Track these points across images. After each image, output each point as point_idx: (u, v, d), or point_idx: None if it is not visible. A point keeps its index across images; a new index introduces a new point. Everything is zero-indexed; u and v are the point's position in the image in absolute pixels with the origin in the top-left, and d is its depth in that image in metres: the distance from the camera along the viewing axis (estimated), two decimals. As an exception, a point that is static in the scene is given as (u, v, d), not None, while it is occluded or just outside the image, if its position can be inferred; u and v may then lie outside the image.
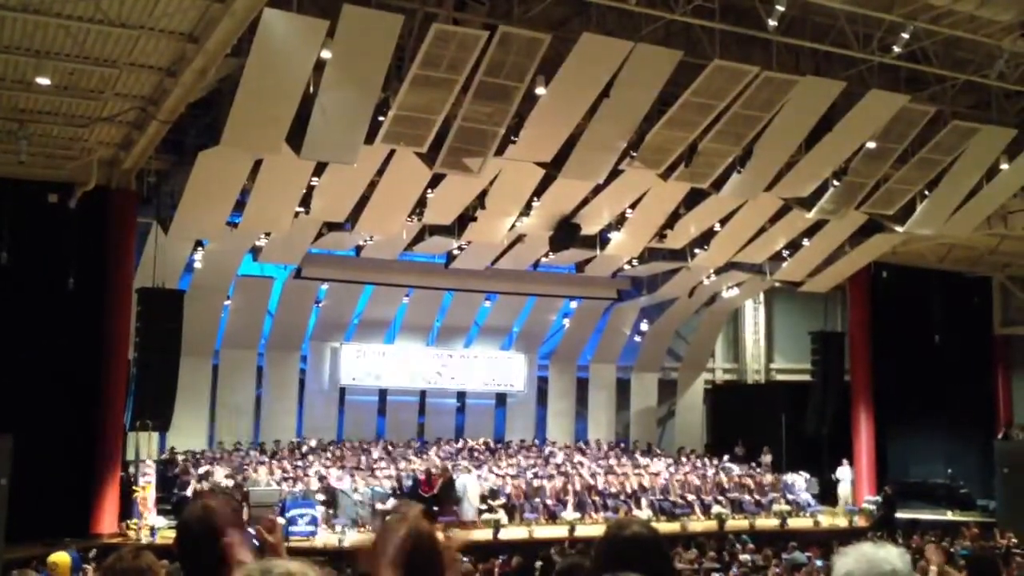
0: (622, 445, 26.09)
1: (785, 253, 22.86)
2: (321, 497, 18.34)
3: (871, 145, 18.01)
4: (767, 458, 24.18)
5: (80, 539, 14.81)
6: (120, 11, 11.53)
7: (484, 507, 19.43)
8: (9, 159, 15.17)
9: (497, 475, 20.71)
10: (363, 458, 21.47)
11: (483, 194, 18.82)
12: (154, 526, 16.55)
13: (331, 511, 18.23)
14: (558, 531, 18.57)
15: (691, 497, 21.38)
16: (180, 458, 20.29)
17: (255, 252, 21.12)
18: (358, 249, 22.30)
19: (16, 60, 12.65)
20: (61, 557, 6.21)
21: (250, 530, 3.10)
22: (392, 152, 16.44)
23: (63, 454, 16.14)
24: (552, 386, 27.41)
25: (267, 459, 20.53)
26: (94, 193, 16.54)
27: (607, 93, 15.47)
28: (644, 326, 27.34)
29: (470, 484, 19.58)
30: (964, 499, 23.62)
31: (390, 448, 22.86)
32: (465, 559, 15.21)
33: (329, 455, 21.54)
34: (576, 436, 26.88)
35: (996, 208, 21.09)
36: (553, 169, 17.61)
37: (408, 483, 19.65)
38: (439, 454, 22.42)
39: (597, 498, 20.59)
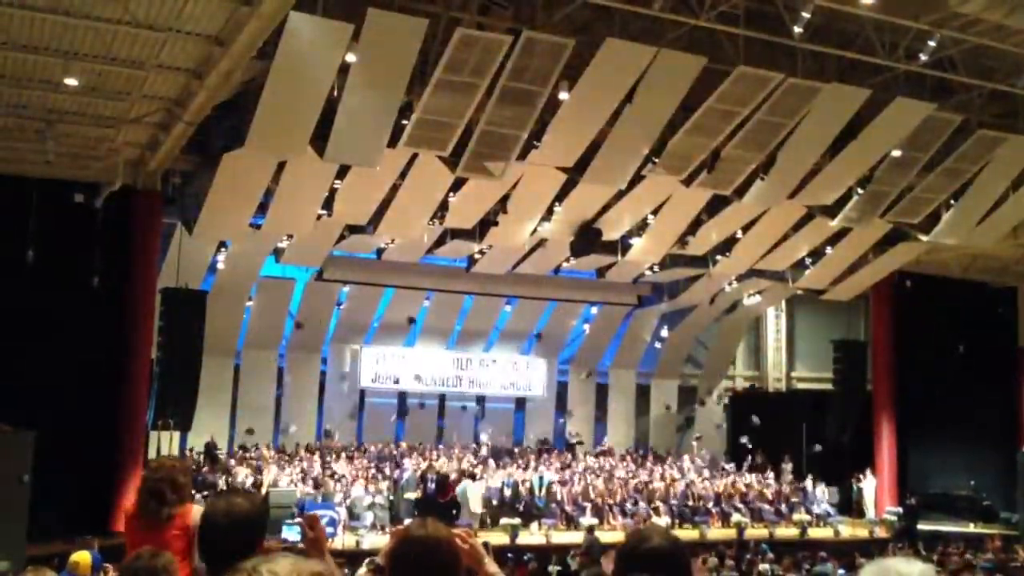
0: (641, 451, 26.00)
1: (808, 261, 22.73)
2: (339, 499, 18.36)
3: (896, 153, 17.89)
4: (787, 467, 24.02)
5: (100, 537, 14.88)
6: (148, 13, 11.63)
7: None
8: (37, 158, 15.32)
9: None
10: (381, 459, 21.49)
11: (505, 198, 18.83)
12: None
13: (348, 518, 18.21)
14: (576, 537, 18.53)
15: (710, 505, 21.28)
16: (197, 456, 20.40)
17: (277, 254, 21.24)
18: (379, 252, 22.37)
19: (45, 61, 12.76)
20: (83, 556, 6.22)
21: (295, 522, 3.21)
22: (415, 156, 16.49)
23: (85, 452, 16.21)
24: (571, 391, 27.37)
25: (286, 460, 20.60)
26: (120, 193, 16.71)
27: (630, 99, 15.44)
28: (664, 332, 27.27)
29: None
30: (987, 511, 23.35)
31: (397, 455, 22.82)
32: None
33: (347, 457, 21.57)
34: (595, 441, 26.83)
35: (1022, 218, 20.89)
36: (575, 174, 17.60)
37: (431, 487, 19.69)
38: (458, 454, 22.45)
39: (616, 504, 20.52)
